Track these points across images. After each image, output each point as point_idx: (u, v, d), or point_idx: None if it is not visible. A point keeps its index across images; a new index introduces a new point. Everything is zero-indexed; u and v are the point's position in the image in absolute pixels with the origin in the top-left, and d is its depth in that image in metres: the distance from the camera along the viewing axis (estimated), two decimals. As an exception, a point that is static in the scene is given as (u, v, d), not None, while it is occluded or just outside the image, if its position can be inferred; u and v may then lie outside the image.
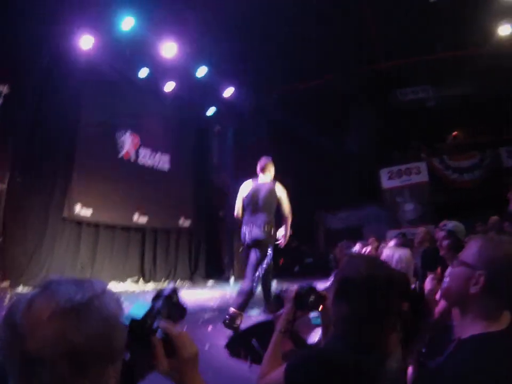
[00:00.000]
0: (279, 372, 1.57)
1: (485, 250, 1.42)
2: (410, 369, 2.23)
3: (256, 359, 3.20)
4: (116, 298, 0.88)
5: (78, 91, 8.40)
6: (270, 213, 5.37)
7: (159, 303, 1.09)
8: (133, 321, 0.98)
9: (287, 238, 5.55)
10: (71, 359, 0.74)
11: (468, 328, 1.41)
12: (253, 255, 5.29)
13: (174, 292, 1.15)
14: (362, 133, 13.08)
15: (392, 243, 4.76)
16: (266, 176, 5.60)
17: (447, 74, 11.61)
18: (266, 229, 5.24)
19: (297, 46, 9.68)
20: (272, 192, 5.43)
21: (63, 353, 0.74)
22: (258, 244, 5.27)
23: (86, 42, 7.95)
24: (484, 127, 13.06)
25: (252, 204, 5.45)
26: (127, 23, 8.06)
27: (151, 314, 1.04)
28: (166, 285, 1.12)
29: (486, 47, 9.94)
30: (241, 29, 8.76)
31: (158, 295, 1.12)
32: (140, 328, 0.98)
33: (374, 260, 1.66)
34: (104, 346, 0.79)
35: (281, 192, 5.47)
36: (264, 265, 5.25)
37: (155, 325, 1.01)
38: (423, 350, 3.04)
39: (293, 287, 2.00)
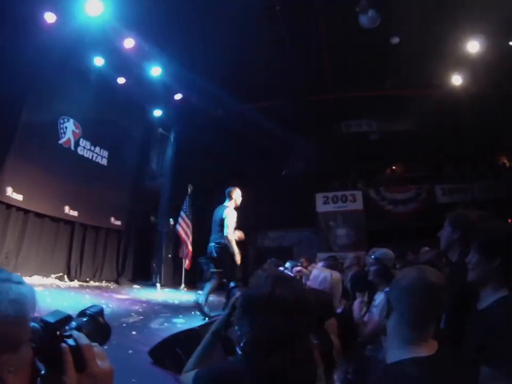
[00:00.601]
0: (191, 375, 1.58)
1: (396, 279, 1.63)
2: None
3: (180, 369, 3.12)
4: (32, 293, 0.88)
5: (31, 69, 7.91)
6: (218, 231, 6.34)
7: (82, 320, 1.03)
8: (45, 322, 0.93)
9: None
10: None
11: (395, 353, 1.51)
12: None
13: (100, 312, 1.09)
14: (304, 158, 13.42)
15: (320, 264, 4.92)
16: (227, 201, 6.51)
17: (392, 110, 12.26)
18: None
19: (251, 66, 9.85)
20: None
21: None
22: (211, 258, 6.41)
23: (48, 18, 7.58)
24: (422, 163, 13.87)
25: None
26: (95, 8, 7.71)
27: (66, 321, 0.97)
28: (93, 304, 1.06)
29: (437, 91, 10.66)
30: (202, 40, 8.79)
31: (83, 313, 1.06)
32: (51, 331, 0.92)
33: (281, 278, 1.48)
34: (4, 330, 0.78)
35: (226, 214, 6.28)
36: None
37: (68, 332, 0.94)
38: (350, 370, 3.16)
39: (238, 293, 1.97)
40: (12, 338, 0.80)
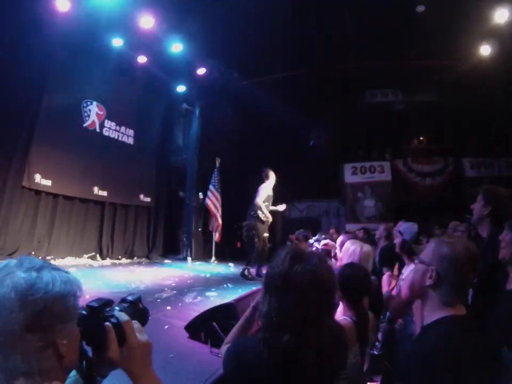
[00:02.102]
0: (225, 347, 1.65)
1: (437, 249, 1.68)
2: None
3: (216, 343, 3.21)
4: (78, 282, 1.00)
5: (48, 55, 8.02)
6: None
7: (123, 305, 1.15)
8: (90, 307, 1.06)
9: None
10: (27, 309, 0.86)
11: (430, 315, 1.64)
12: None
13: (139, 299, 1.21)
14: (329, 128, 13.23)
15: (341, 237, 4.81)
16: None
17: (417, 81, 11.89)
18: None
19: (274, 38, 9.63)
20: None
21: (22, 303, 0.86)
22: None
23: (61, 5, 7.57)
24: (449, 135, 13.47)
25: None
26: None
27: (108, 304, 1.10)
28: (132, 292, 1.19)
29: (464, 62, 10.26)
30: (222, 13, 8.62)
31: (124, 300, 1.18)
32: (96, 314, 1.05)
33: (300, 256, 1.44)
34: (58, 304, 0.91)
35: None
36: None
37: (110, 312, 1.07)
38: (377, 344, 3.21)
39: None
40: (66, 311, 0.93)
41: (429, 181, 12.95)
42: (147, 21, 8.65)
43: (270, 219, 7.69)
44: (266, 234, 7.78)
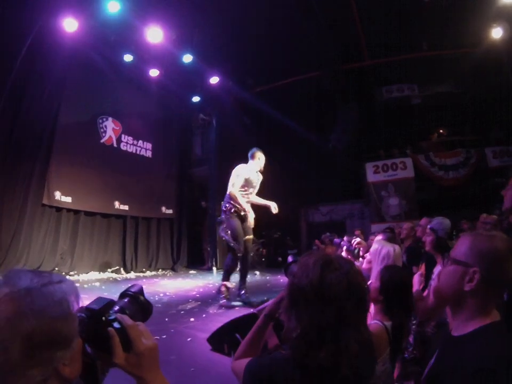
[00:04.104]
0: (243, 364, 1.47)
1: (476, 246, 1.40)
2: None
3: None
4: (73, 287, 0.93)
5: (60, 76, 8.20)
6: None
7: (124, 301, 1.09)
8: (90, 310, 0.99)
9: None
10: (23, 341, 0.79)
11: (465, 324, 1.38)
12: None
13: (140, 291, 1.14)
14: (347, 129, 13.06)
15: (380, 237, 4.66)
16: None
17: (431, 73, 11.64)
18: None
19: (283, 43, 9.57)
20: None
21: (16, 334, 0.79)
22: None
23: (69, 25, 7.69)
24: (469, 126, 13.12)
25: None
26: (112, 7, 7.80)
27: (109, 306, 1.04)
28: (133, 284, 1.12)
29: (476, 48, 9.99)
30: (227, 22, 8.64)
31: (124, 294, 1.12)
32: (97, 318, 0.98)
33: (330, 262, 1.32)
34: (56, 330, 0.84)
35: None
36: None
37: (112, 316, 1.00)
38: (409, 347, 3.03)
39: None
40: (64, 336, 0.86)
41: (452, 174, 12.59)
42: (155, 35, 8.67)
43: (247, 211, 5.78)
44: (249, 237, 5.92)
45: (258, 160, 6.07)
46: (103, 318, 0.99)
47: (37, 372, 0.81)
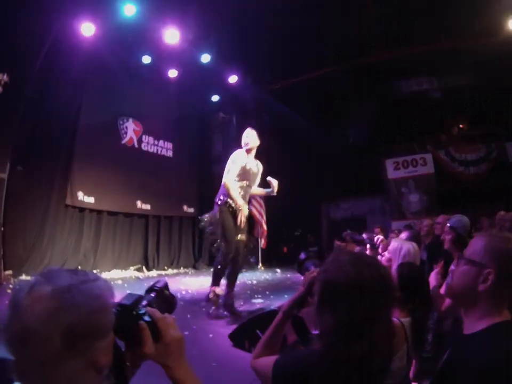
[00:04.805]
0: (269, 363, 1.51)
1: (491, 246, 1.40)
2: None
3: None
4: (108, 284, 0.98)
5: (80, 79, 8.36)
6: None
7: (151, 296, 1.17)
8: (122, 305, 1.06)
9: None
10: (64, 333, 0.84)
11: (476, 323, 1.40)
12: None
13: (165, 286, 1.23)
14: (366, 125, 12.94)
15: (403, 235, 4.66)
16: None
17: (451, 65, 11.39)
18: None
19: (297, 38, 9.49)
20: None
21: (58, 327, 0.84)
22: None
23: (87, 29, 7.84)
24: (489, 119, 12.83)
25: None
26: (129, 9, 7.89)
27: (139, 301, 1.11)
28: (158, 279, 1.22)
29: (493, 39, 9.76)
30: (243, 19, 8.63)
31: (151, 289, 1.20)
32: (129, 312, 1.06)
33: (361, 258, 1.38)
34: (94, 322, 0.90)
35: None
36: None
37: (142, 310, 1.08)
38: (426, 346, 3.04)
39: (312, 268, 1.81)
40: (103, 328, 0.93)
41: (473, 169, 12.34)
42: (172, 36, 8.74)
43: (243, 208, 4.91)
44: (241, 237, 5.23)
45: (246, 138, 5.31)
46: (134, 312, 1.07)
47: (77, 361, 0.87)
